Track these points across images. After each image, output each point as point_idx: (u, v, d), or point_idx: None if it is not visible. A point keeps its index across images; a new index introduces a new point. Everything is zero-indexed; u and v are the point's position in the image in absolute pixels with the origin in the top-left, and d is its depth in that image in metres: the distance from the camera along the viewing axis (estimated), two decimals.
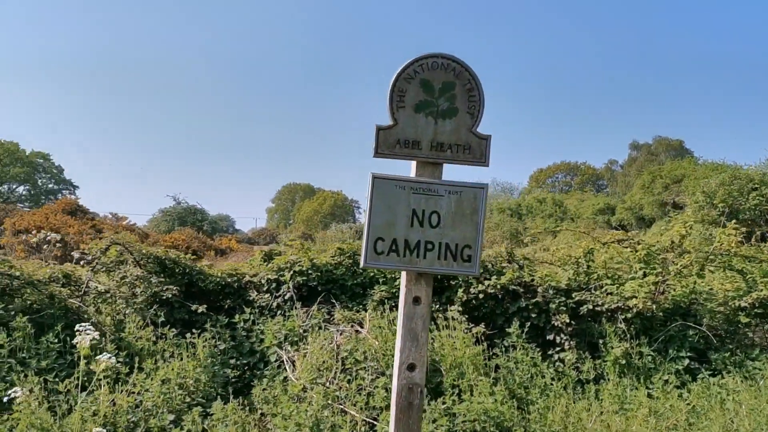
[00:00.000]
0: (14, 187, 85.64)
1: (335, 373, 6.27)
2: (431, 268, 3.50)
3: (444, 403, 5.92)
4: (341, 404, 5.98)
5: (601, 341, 7.33)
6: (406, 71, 3.44)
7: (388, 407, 6.01)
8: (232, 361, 7.00)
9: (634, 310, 7.25)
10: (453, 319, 7.57)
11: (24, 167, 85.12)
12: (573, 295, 7.56)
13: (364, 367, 6.23)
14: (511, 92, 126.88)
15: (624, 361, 7.10)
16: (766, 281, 7.68)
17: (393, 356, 6.45)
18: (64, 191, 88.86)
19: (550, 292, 7.59)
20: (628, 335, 7.30)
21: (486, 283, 7.68)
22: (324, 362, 6.38)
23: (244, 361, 7.04)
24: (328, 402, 6.06)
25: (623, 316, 7.31)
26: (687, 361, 7.13)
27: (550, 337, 7.50)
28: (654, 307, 7.32)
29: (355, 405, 5.97)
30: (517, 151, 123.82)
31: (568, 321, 7.34)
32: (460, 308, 7.63)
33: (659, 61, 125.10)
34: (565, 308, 7.47)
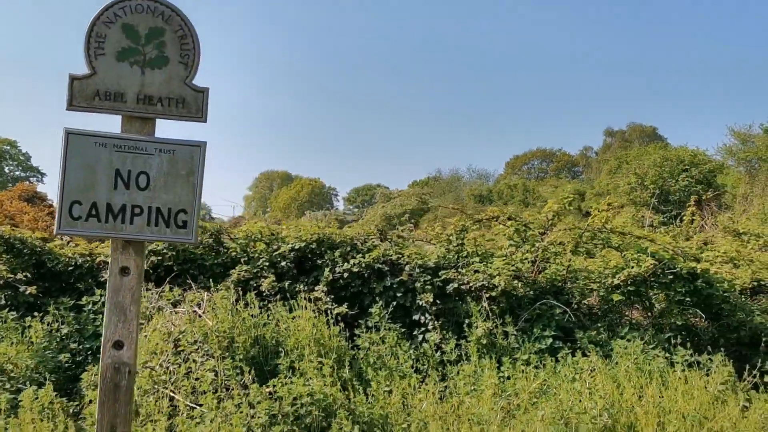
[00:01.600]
0: None
1: (167, 356, 5.88)
2: (140, 235, 3.12)
3: (273, 385, 5.57)
4: (166, 388, 5.61)
5: (467, 321, 7.04)
6: (105, 14, 3.04)
7: (214, 391, 5.66)
8: (74, 346, 6.58)
9: (499, 288, 6.95)
10: (318, 299, 7.24)
11: None
12: (440, 274, 7.25)
13: (197, 350, 5.86)
14: (489, 79, 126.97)
15: (486, 341, 6.81)
16: (637, 258, 7.43)
17: (230, 338, 6.10)
18: (31, 179, 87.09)
19: (417, 270, 7.26)
20: (492, 314, 7.01)
21: (351, 261, 7.33)
22: (157, 344, 5.99)
23: (87, 346, 6.62)
24: (154, 386, 5.69)
25: (488, 295, 7.02)
26: (550, 341, 6.86)
27: (417, 317, 7.19)
28: (519, 285, 7.03)
29: (180, 390, 5.61)
30: (494, 139, 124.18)
31: (431, 300, 7.03)
32: (326, 288, 7.28)
33: (635, 48, 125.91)
34: (431, 287, 7.15)
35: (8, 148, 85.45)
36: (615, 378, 6.00)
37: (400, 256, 7.42)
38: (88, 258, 7.40)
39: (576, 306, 7.35)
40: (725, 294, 7.60)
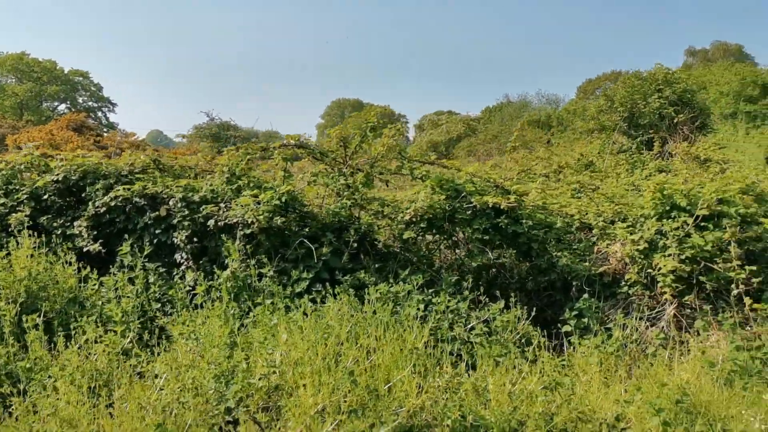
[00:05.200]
0: (55, 105, 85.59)
1: None
2: None
3: None
4: None
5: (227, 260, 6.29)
6: None
7: None
8: None
9: (255, 225, 6.13)
10: (77, 236, 6.63)
11: (62, 85, 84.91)
12: (201, 209, 6.47)
13: None
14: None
15: (235, 284, 6.07)
16: (427, 192, 6.41)
17: None
18: (103, 109, 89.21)
19: (179, 205, 6.50)
20: (256, 253, 6.24)
21: (110, 194, 6.64)
22: None
23: None
24: None
25: (243, 232, 6.22)
26: (306, 284, 6.04)
27: (177, 256, 6.50)
28: (280, 221, 6.19)
29: None
30: (566, 63, 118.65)
31: (185, 238, 6.30)
32: (87, 224, 6.64)
33: None
34: (190, 223, 6.40)
35: (81, 79, 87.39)
36: (325, 328, 5.18)
37: (166, 188, 6.66)
38: None
39: (356, 244, 6.44)
40: (534, 232, 6.53)
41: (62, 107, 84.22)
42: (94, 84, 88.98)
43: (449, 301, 5.82)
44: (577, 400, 4.59)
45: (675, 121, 15.42)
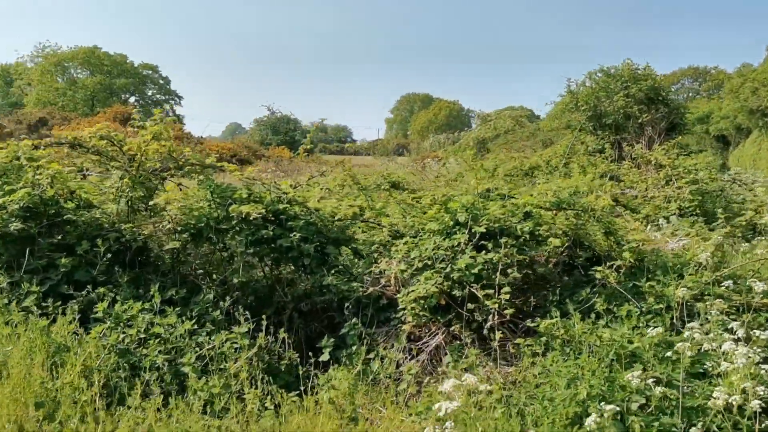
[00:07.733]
0: (125, 97, 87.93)
1: None
2: None
3: None
4: None
5: None
6: None
7: None
8: None
9: None
10: None
11: (131, 78, 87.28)
12: None
13: None
14: None
15: None
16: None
17: None
18: (170, 101, 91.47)
19: None
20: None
21: None
22: None
23: None
24: None
25: None
26: (35, 297, 5.44)
27: None
28: (16, 227, 5.60)
29: None
30: (639, 55, 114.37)
31: None
32: None
33: None
34: None
35: (149, 72, 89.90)
36: None
37: None
38: None
39: (110, 255, 5.77)
40: (306, 246, 5.71)
41: (131, 100, 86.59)
42: (162, 77, 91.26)
43: (183, 323, 5.11)
44: None
45: (639, 121, 14.04)
